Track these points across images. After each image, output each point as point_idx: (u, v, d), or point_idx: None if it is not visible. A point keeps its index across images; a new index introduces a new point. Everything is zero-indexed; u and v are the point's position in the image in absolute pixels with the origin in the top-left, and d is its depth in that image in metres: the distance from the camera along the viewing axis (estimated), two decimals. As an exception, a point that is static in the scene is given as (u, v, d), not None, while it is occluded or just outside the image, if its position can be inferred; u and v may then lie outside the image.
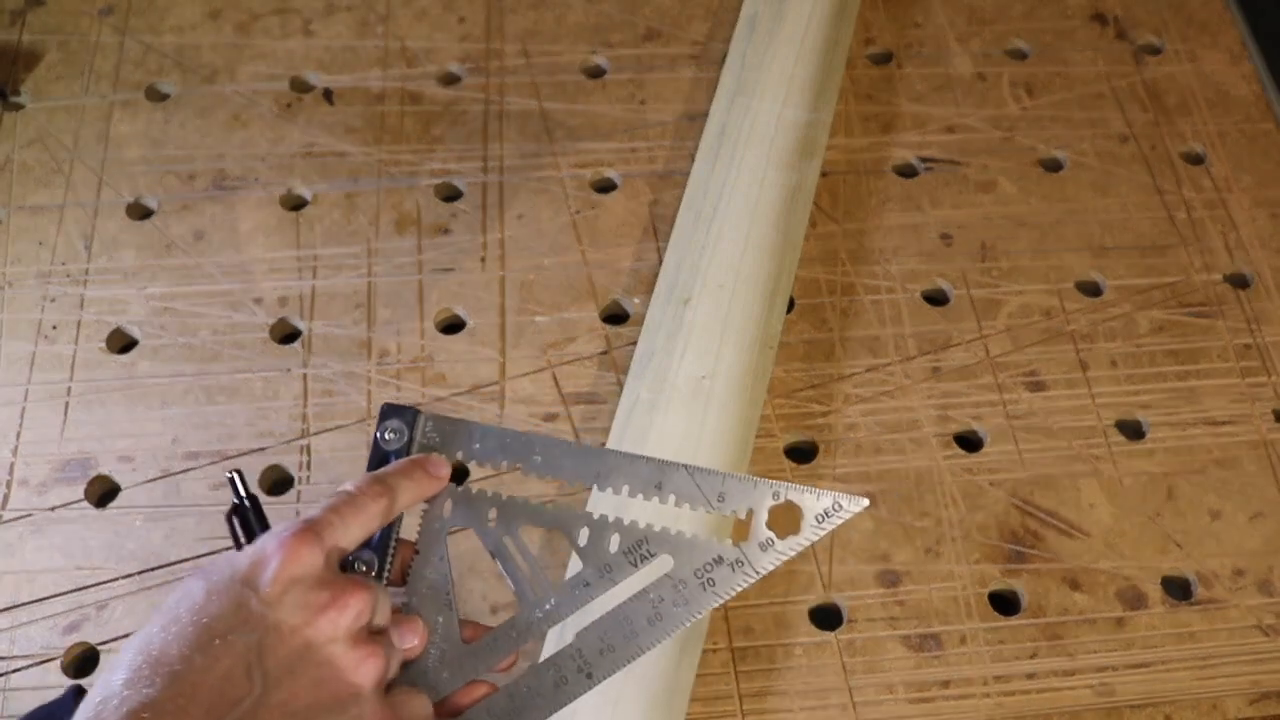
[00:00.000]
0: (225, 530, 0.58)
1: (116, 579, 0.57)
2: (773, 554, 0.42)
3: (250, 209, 0.69)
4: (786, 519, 0.42)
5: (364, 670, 0.37)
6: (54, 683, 0.54)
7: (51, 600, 0.56)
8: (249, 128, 0.72)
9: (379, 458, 0.43)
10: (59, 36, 0.76)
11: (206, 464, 0.60)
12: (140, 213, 0.69)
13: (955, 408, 0.63)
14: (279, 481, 0.61)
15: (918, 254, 0.69)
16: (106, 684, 0.33)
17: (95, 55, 0.75)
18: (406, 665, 0.41)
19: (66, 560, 0.57)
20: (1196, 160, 0.73)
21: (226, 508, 0.44)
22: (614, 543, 0.43)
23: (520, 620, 0.42)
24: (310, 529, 0.37)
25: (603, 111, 0.73)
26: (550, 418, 0.62)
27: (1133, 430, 0.63)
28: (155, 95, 0.74)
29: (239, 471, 0.44)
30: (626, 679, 0.52)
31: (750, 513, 0.42)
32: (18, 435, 0.61)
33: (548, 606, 0.42)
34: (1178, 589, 0.59)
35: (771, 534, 0.42)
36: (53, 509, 0.59)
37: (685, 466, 0.43)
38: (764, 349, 0.62)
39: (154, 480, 0.60)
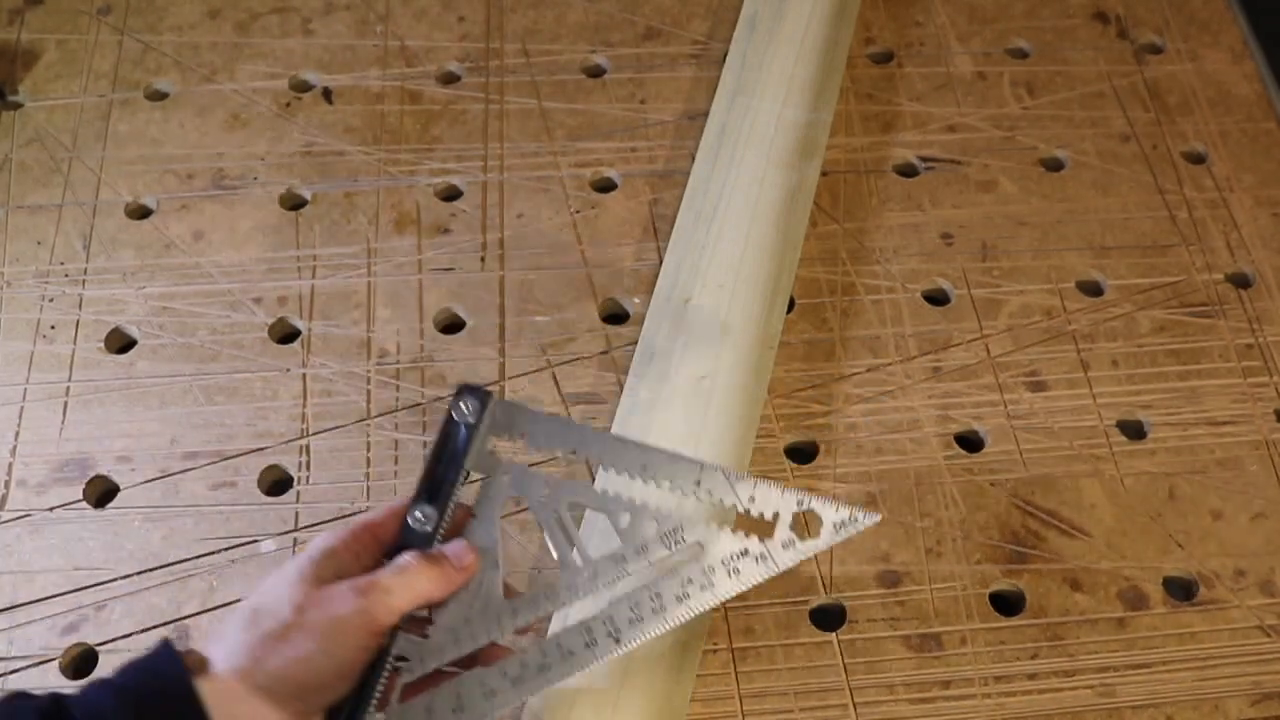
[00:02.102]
0: (225, 530, 0.58)
1: (115, 579, 0.57)
2: (793, 552, 0.47)
3: (249, 208, 0.69)
4: (808, 524, 0.47)
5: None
6: (53, 684, 0.54)
7: (50, 601, 0.56)
8: (248, 127, 0.72)
9: (451, 430, 0.47)
10: (57, 35, 0.76)
11: (205, 464, 0.60)
12: (139, 212, 0.69)
13: (956, 408, 0.63)
14: (278, 482, 0.61)
15: (918, 253, 0.68)
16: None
17: (94, 54, 0.75)
18: (443, 611, 0.45)
19: (65, 561, 0.57)
20: (1198, 159, 0.73)
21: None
22: (652, 528, 0.47)
23: (560, 585, 0.46)
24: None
25: (603, 111, 0.73)
26: (550, 418, 0.62)
27: (1134, 430, 0.63)
28: (154, 94, 0.73)
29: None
30: (626, 680, 0.52)
31: (776, 515, 0.47)
32: (16, 435, 0.61)
33: (585, 576, 0.46)
34: (1179, 589, 0.58)
35: (793, 535, 0.47)
36: (51, 509, 0.59)
37: (722, 469, 0.47)
38: (764, 349, 0.62)
39: (153, 480, 0.59)
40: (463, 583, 0.45)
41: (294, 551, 0.57)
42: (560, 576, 0.47)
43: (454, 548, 0.46)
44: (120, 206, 0.69)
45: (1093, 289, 0.68)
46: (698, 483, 0.47)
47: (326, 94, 0.74)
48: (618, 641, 0.46)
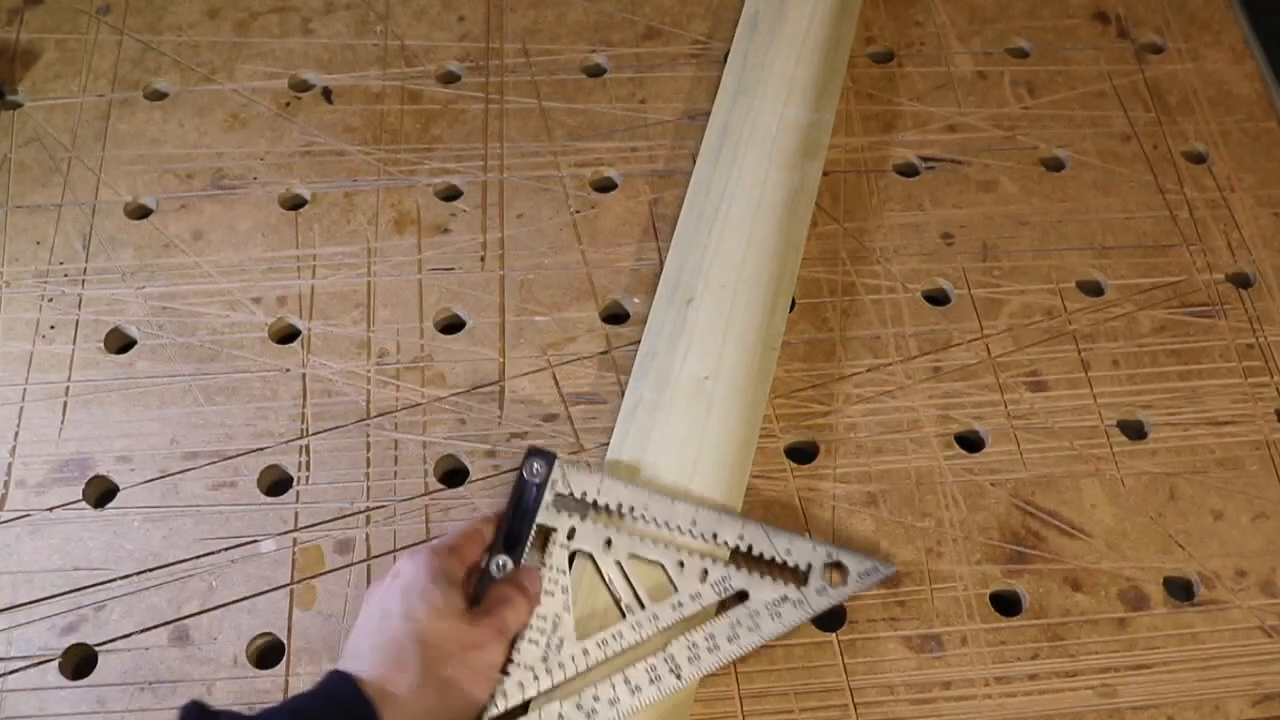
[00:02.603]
0: (224, 530, 0.58)
1: (115, 580, 0.57)
2: (826, 597, 0.54)
3: (249, 208, 0.69)
4: (837, 573, 0.55)
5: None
6: (52, 683, 0.54)
7: (49, 601, 0.56)
8: (248, 127, 0.72)
9: (523, 489, 0.55)
10: (57, 35, 0.75)
11: (205, 464, 0.60)
12: (138, 212, 0.69)
13: (956, 408, 0.63)
14: (278, 482, 0.61)
15: (919, 253, 0.68)
16: None
17: (93, 54, 0.75)
18: (524, 650, 0.52)
19: (64, 561, 0.57)
20: (1199, 159, 0.73)
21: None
22: (703, 575, 0.54)
23: (624, 627, 0.53)
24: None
25: (603, 110, 0.73)
26: (550, 418, 0.62)
27: (1135, 430, 0.63)
28: (153, 94, 0.73)
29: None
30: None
31: (810, 565, 0.55)
32: (15, 435, 0.60)
33: (647, 618, 0.53)
34: (1180, 590, 0.58)
35: (825, 583, 0.54)
36: (50, 509, 0.58)
37: (763, 525, 0.55)
38: (767, 350, 0.62)
39: (152, 481, 0.59)
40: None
41: (294, 552, 0.57)
42: (625, 619, 0.53)
43: (529, 578, 0.52)
44: (120, 206, 0.68)
45: (1093, 289, 0.68)
46: (741, 536, 0.55)
47: (326, 94, 0.73)
48: (679, 678, 0.52)
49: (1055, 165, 0.73)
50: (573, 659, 0.52)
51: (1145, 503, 0.60)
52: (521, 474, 0.55)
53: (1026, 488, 0.61)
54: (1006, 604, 0.58)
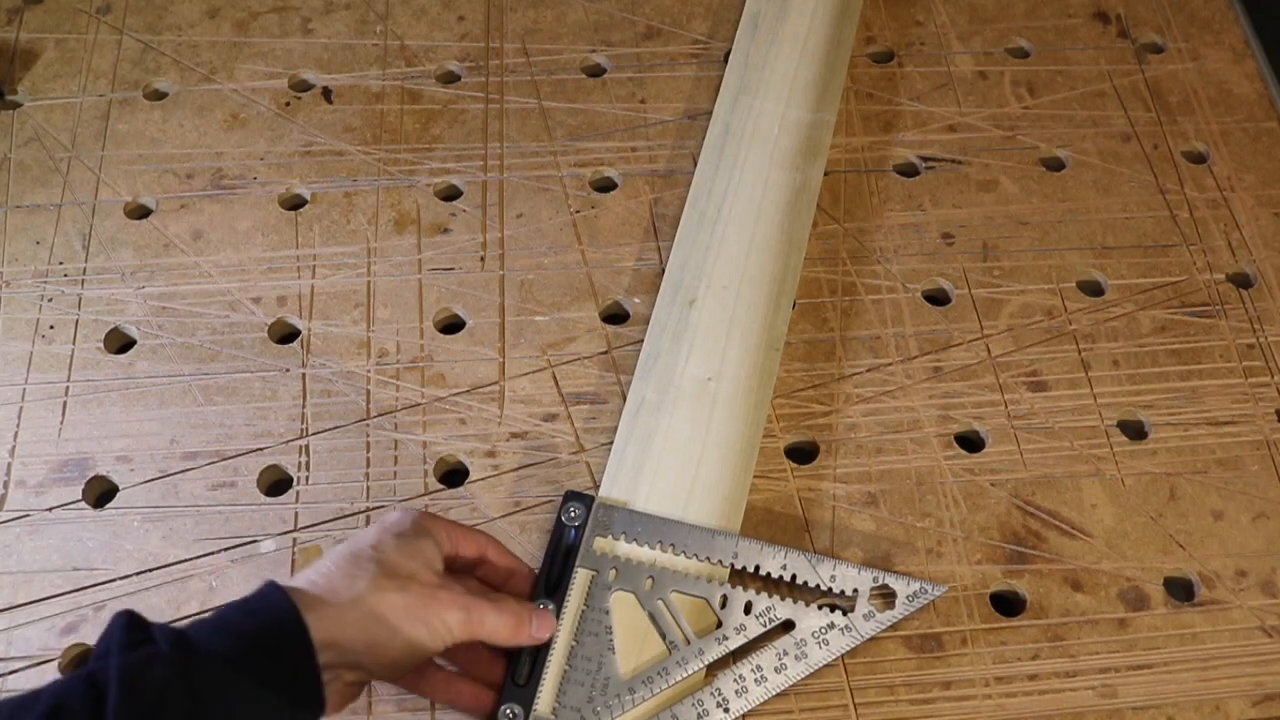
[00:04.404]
0: (224, 530, 0.58)
1: (114, 580, 0.56)
2: (874, 623, 0.54)
3: (249, 208, 0.69)
4: (883, 598, 0.55)
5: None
6: (51, 684, 0.54)
7: (49, 601, 0.56)
8: (247, 127, 0.72)
9: (562, 532, 0.55)
10: (56, 35, 0.75)
11: (205, 464, 0.60)
12: (138, 212, 0.69)
13: (956, 408, 0.63)
14: (278, 482, 0.60)
15: (919, 253, 0.68)
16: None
17: (93, 54, 0.75)
18: (569, 692, 0.52)
19: (64, 561, 0.57)
20: (1199, 159, 0.73)
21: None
22: (747, 608, 0.54)
23: (670, 664, 0.53)
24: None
25: (603, 111, 0.73)
26: (550, 418, 0.62)
27: (1135, 430, 0.63)
28: (153, 94, 0.73)
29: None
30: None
31: (856, 591, 0.54)
32: (15, 435, 0.60)
33: (692, 653, 0.53)
34: (1180, 590, 0.58)
35: (872, 608, 0.54)
36: (50, 510, 0.58)
37: (805, 554, 0.55)
38: (769, 350, 0.62)
39: (152, 481, 0.59)
40: (528, 643, 0.51)
41: (294, 552, 0.57)
42: (670, 656, 0.53)
43: (543, 618, 0.51)
44: (119, 206, 0.68)
45: (1094, 289, 0.68)
46: (784, 566, 0.55)
47: (326, 93, 0.73)
48: (726, 711, 0.52)
49: (1055, 165, 0.73)
50: (619, 699, 0.52)
51: (1145, 503, 0.60)
52: (560, 518, 0.55)
53: (1027, 488, 0.61)
54: (1007, 604, 0.58)
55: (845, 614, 0.54)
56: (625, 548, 0.55)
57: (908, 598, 0.55)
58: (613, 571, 0.54)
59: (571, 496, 0.56)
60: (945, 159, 0.72)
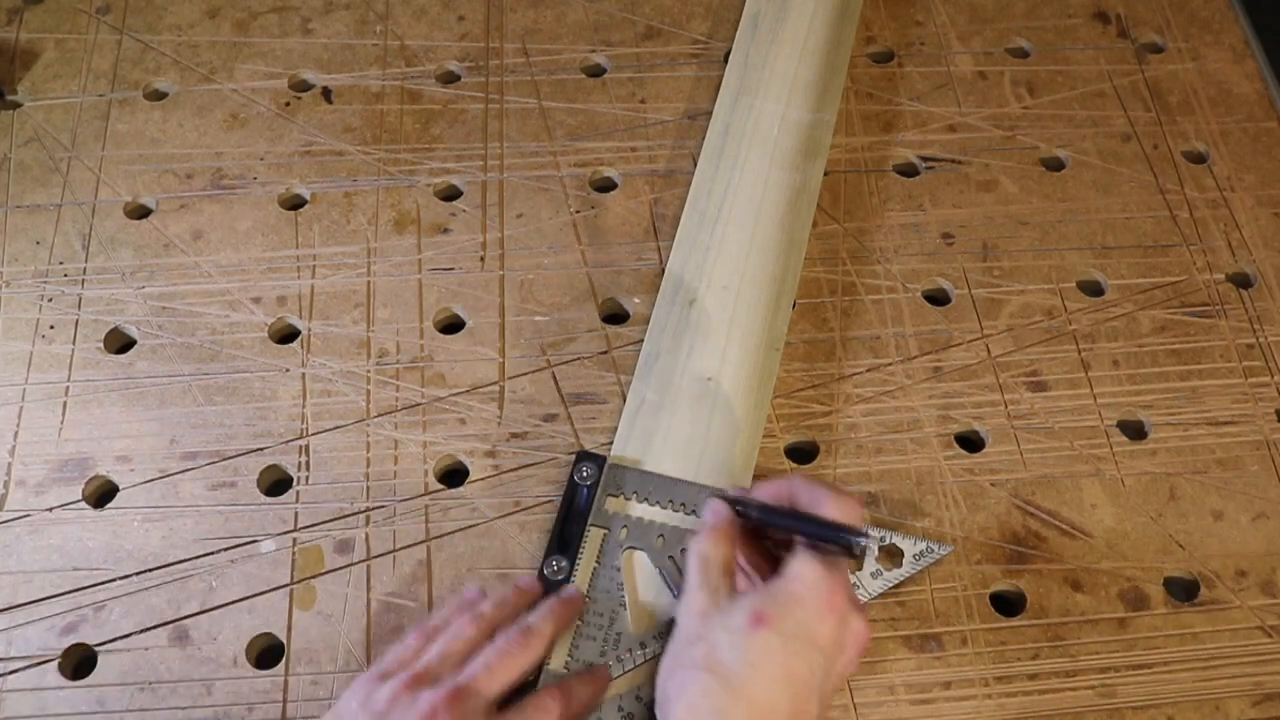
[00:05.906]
0: (224, 530, 0.58)
1: (114, 580, 0.56)
2: (881, 581, 0.56)
3: (249, 208, 0.69)
4: (891, 556, 0.56)
5: None
6: (51, 684, 0.54)
7: (49, 601, 0.56)
8: (247, 127, 0.72)
9: (574, 492, 0.57)
10: (56, 35, 0.75)
11: (205, 464, 0.60)
12: (138, 212, 0.69)
13: (956, 408, 0.63)
14: (278, 482, 0.60)
15: (919, 253, 0.68)
16: None
17: (93, 53, 0.75)
18: (582, 647, 0.53)
19: (64, 561, 0.57)
20: (1199, 159, 0.73)
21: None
22: None
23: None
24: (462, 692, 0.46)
25: (603, 111, 0.73)
26: (550, 418, 0.62)
27: (1135, 430, 0.63)
28: (153, 94, 0.73)
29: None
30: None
31: (863, 549, 0.53)
32: (15, 435, 0.60)
33: None
34: (1180, 590, 0.58)
35: (880, 567, 0.56)
36: (50, 509, 0.58)
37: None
38: (770, 350, 0.62)
39: (152, 481, 0.59)
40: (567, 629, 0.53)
41: (293, 552, 0.57)
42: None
43: (582, 682, 0.51)
44: (119, 206, 0.68)
45: (1093, 289, 0.68)
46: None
47: (326, 94, 0.73)
48: None
49: (1055, 165, 0.73)
50: (630, 653, 0.53)
51: (1145, 503, 0.60)
52: (572, 477, 0.57)
53: (1027, 488, 0.61)
54: (1007, 604, 0.58)
55: (853, 573, 0.55)
56: (637, 508, 0.56)
57: (914, 556, 0.56)
58: (624, 530, 0.55)
59: (584, 456, 0.57)
60: (945, 159, 0.72)
